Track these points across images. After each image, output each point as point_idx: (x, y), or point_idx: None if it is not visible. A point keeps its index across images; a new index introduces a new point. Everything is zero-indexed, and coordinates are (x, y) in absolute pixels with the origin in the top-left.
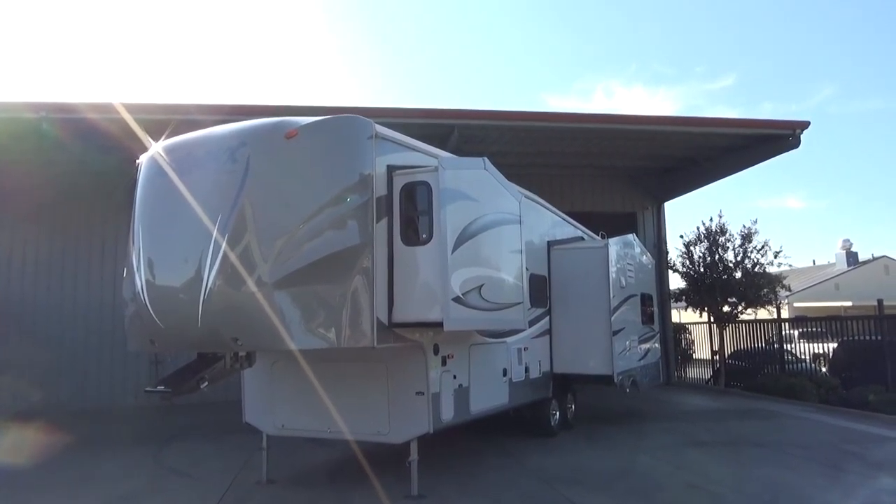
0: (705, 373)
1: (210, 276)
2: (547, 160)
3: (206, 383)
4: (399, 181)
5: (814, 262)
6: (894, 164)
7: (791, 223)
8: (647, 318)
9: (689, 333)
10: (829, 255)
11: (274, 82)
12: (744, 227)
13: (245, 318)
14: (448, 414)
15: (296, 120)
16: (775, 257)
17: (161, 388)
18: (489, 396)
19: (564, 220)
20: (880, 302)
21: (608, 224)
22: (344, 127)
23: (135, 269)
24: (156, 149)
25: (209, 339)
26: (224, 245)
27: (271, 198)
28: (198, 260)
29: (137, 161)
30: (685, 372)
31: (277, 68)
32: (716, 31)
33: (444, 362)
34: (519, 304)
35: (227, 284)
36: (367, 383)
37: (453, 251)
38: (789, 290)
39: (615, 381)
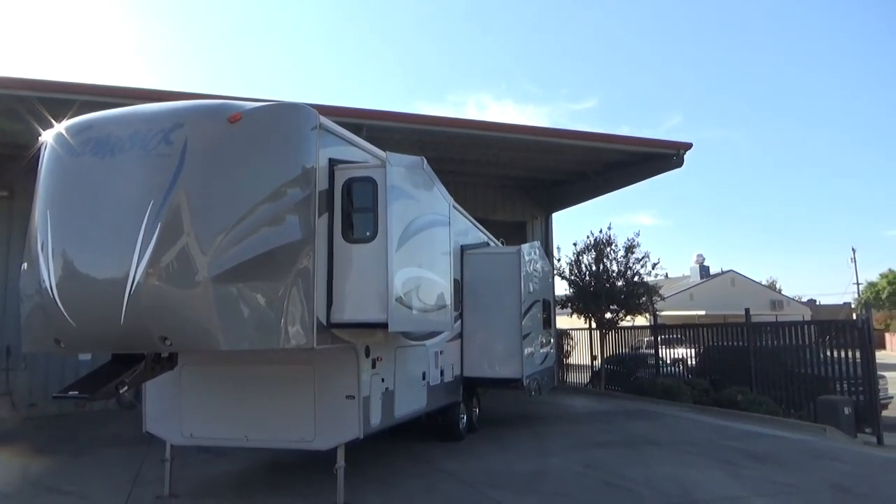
0: (582, 377)
1: (138, 270)
2: (444, 166)
3: (126, 388)
4: (341, 176)
5: (666, 275)
6: (732, 189)
7: (643, 238)
8: (546, 323)
9: (572, 339)
10: (678, 268)
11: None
12: (627, 239)
13: (178, 316)
14: (376, 419)
15: (238, 103)
16: (653, 268)
17: (74, 393)
18: (411, 400)
19: (474, 225)
20: (747, 311)
21: (499, 232)
22: (289, 115)
23: (41, 260)
24: (65, 127)
25: (132, 339)
26: (156, 236)
27: (210, 186)
28: (123, 251)
29: (41, 140)
30: (566, 376)
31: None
32: (579, 57)
33: (374, 365)
34: (446, 306)
35: (158, 279)
36: (291, 387)
37: (397, 250)
38: (663, 298)
39: (524, 384)
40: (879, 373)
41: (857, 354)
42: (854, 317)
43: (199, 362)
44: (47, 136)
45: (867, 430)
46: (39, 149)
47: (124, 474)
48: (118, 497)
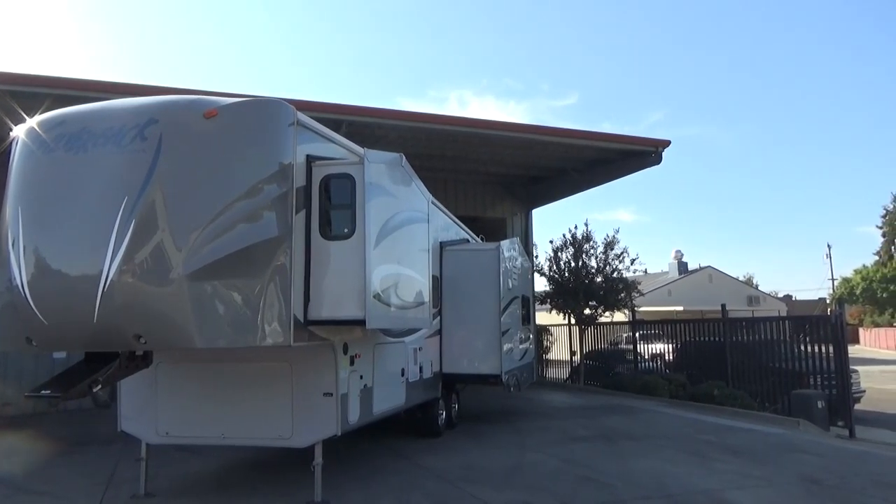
0: (562, 372)
1: (112, 267)
2: (424, 162)
3: (100, 386)
4: (319, 172)
5: (646, 270)
6: (711, 185)
7: (622, 234)
8: (526, 320)
9: (552, 335)
10: (656, 264)
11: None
12: (607, 235)
13: (152, 313)
14: (354, 415)
15: (213, 99)
16: (632, 264)
17: (47, 392)
18: (389, 397)
19: (454, 221)
20: (724, 307)
21: (479, 228)
22: (266, 110)
23: (12, 258)
24: (37, 121)
25: (105, 337)
26: (130, 232)
27: (186, 182)
28: (97, 248)
29: (12, 134)
30: (545, 371)
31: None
32: (560, 53)
33: (352, 362)
34: (425, 303)
35: (132, 276)
36: (269, 385)
37: (375, 247)
38: (642, 294)
39: (503, 380)
40: (852, 367)
41: (831, 349)
42: (828, 312)
43: (174, 360)
44: (18, 131)
45: (840, 423)
46: (10, 144)
47: (99, 474)
48: (93, 497)
